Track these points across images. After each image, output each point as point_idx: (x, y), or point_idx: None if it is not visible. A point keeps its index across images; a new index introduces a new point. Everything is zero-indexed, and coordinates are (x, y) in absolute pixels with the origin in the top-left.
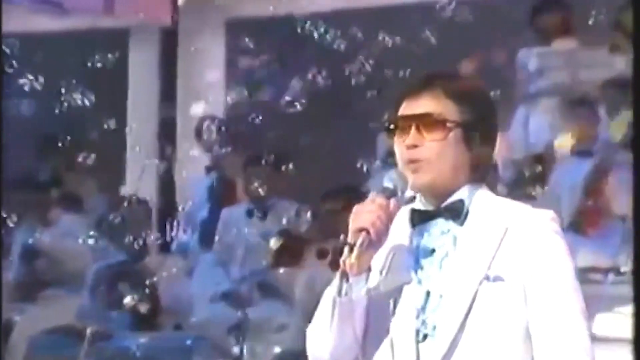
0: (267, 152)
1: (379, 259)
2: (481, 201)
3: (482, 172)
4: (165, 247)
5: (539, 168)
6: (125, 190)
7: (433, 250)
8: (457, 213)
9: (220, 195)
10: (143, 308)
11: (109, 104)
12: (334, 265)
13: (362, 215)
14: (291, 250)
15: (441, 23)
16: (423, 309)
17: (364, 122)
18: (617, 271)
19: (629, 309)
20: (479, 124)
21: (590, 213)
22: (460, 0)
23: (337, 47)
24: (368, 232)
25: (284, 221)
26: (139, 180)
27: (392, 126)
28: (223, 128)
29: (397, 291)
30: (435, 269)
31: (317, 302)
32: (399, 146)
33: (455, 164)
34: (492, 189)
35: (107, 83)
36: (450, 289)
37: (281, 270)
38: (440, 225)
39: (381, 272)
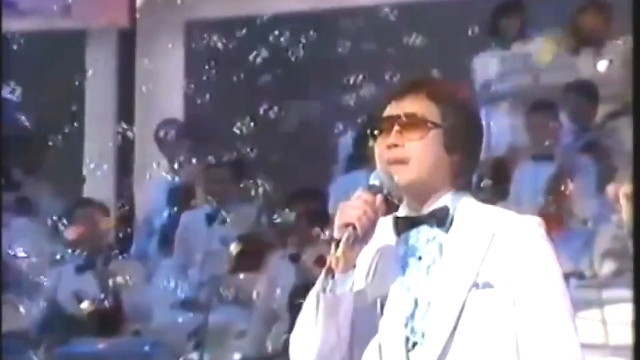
0: (227, 156)
1: (363, 263)
2: (466, 208)
3: (464, 180)
4: (123, 252)
5: (500, 172)
6: (82, 194)
7: (420, 258)
8: (441, 220)
9: (180, 199)
10: (101, 313)
11: (66, 106)
12: (320, 263)
13: (348, 210)
14: (251, 255)
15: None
16: (412, 316)
17: (325, 126)
18: (580, 275)
19: (592, 314)
20: (461, 130)
21: (552, 217)
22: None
23: (293, 50)
24: (354, 228)
25: (244, 226)
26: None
27: (375, 131)
28: (182, 132)
29: (384, 296)
30: (423, 276)
31: (277, 307)
32: (380, 147)
33: (436, 165)
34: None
35: (64, 85)
36: (438, 296)
37: (241, 276)
38: (425, 232)
39: (366, 277)
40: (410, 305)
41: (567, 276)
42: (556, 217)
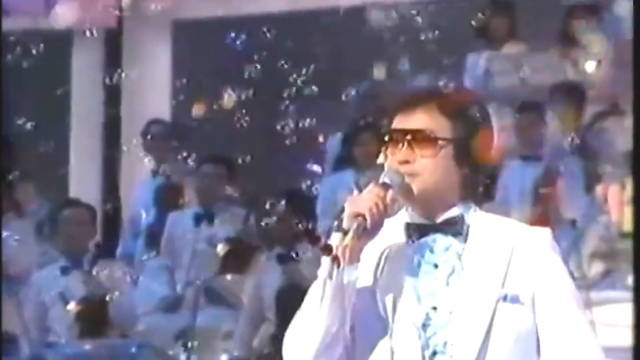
0: (216, 156)
1: (369, 261)
2: (479, 219)
3: (474, 190)
4: (109, 253)
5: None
6: (69, 194)
7: (436, 266)
8: (457, 229)
9: (167, 199)
10: (88, 315)
11: (52, 106)
12: (327, 251)
13: (360, 201)
14: (239, 257)
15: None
16: (425, 326)
17: (312, 127)
18: None
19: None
20: (472, 142)
21: (538, 219)
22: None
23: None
24: (364, 218)
25: (232, 227)
26: (82, 184)
27: (386, 138)
28: (169, 132)
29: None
30: (441, 285)
31: (264, 308)
32: (392, 157)
33: (447, 180)
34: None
35: (50, 85)
36: (464, 306)
37: (228, 277)
38: (441, 240)
39: (374, 276)
40: (422, 315)
41: None
42: (543, 218)
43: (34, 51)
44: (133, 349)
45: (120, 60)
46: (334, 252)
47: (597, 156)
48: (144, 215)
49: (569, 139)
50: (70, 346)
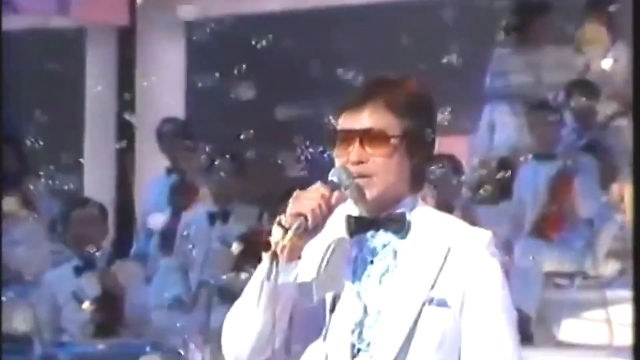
0: (229, 154)
1: (311, 256)
2: (422, 215)
3: (420, 181)
4: (123, 252)
5: (504, 172)
6: (82, 192)
7: (372, 262)
8: (399, 226)
9: (181, 198)
10: (102, 314)
11: (65, 106)
12: (266, 247)
13: (303, 200)
14: (253, 255)
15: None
16: (361, 323)
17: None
18: (583, 275)
19: (596, 315)
20: (420, 133)
21: (554, 217)
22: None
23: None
24: (306, 218)
25: (246, 225)
26: (96, 183)
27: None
28: (183, 130)
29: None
30: (374, 283)
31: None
32: (341, 159)
33: (401, 174)
34: (457, 193)
35: (63, 84)
36: (390, 307)
37: (242, 276)
38: (380, 237)
39: (317, 271)
40: (360, 312)
41: (570, 276)
42: (558, 218)
43: (47, 50)
44: (147, 349)
45: (134, 59)
46: (273, 248)
47: (613, 155)
48: (153, 219)
49: (584, 137)
50: (84, 346)
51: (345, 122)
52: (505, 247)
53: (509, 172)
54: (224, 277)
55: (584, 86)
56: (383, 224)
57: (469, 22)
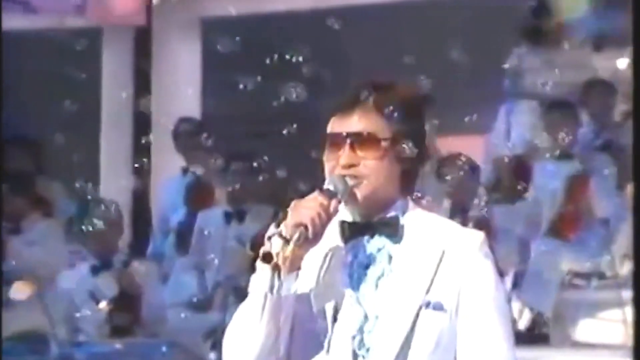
0: (247, 155)
1: (310, 266)
2: (415, 218)
3: (412, 183)
4: (139, 252)
5: (520, 171)
6: (98, 193)
7: (367, 267)
8: (392, 230)
9: (197, 197)
10: (118, 314)
11: (81, 106)
12: (267, 259)
13: (302, 210)
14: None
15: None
16: (361, 329)
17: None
18: (600, 275)
19: (613, 315)
20: (410, 135)
21: (570, 217)
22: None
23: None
24: (306, 228)
25: (262, 225)
26: (112, 182)
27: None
28: (199, 130)
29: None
30: (371, 288)
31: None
32: (331, 163)
33: (391, 177)
34: (473, 193)
35: (79, 84)
36: (387, 312)
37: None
38: (375, 241)
39: (316, 282)
40: (361, 317)
41: (587, 276)
42: (575, 217)
43: (62, 50)
44: (163, 348)
45: (150, 58)
46: (275, 260)
47: (629, 154)
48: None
49: (601, 136)
50: (100, 345)
51: (335, 125)
52: (522, 246)
53: (526, 172)
54: (240, 276)
55: (601, 86)
56: (376, 228)
57: (486, 22)
